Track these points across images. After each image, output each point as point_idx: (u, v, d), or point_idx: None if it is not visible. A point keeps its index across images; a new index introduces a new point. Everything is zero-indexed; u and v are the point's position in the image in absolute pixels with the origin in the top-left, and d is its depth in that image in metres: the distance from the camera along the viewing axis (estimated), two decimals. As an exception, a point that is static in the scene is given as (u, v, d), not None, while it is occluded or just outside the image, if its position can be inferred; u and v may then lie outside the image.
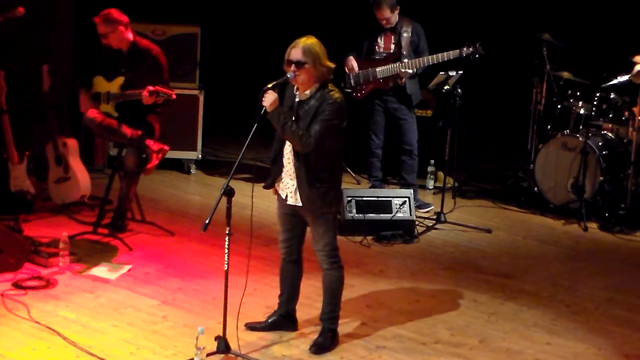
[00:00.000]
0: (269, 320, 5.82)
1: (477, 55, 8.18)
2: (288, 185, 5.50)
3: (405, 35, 8.50)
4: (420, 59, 8.37)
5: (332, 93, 5.35)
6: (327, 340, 5.67)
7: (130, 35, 7.27)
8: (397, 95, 8.58)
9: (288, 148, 5.46)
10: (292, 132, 5.30)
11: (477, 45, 8.16)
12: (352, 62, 8.53)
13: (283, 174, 5.53)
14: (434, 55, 8.31)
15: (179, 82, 8.76)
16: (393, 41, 8.54)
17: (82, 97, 7.34)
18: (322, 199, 5.43)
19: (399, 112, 8.61)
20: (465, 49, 8.18)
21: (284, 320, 5.82)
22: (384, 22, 8.45)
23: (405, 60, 8.38)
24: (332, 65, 5.40)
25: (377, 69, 8.48)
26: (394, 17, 8.44)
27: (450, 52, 8.25)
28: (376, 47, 8.57)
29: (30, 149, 7.81)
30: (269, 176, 5.63)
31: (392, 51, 8.52)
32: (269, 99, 5.27)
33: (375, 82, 8.52)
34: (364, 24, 8.62)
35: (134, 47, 7.27)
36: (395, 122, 8.67)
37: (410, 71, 8.38)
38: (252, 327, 5.77)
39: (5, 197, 7.65)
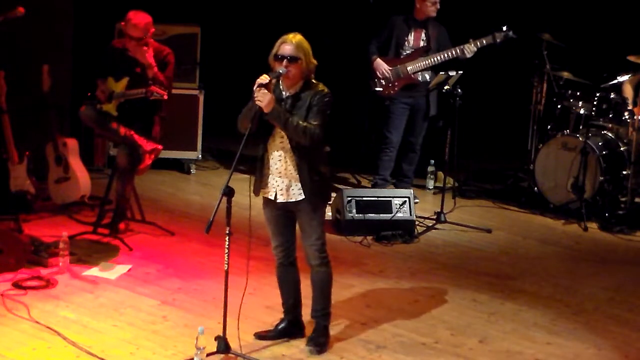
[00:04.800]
0: (279, 327, 5.77)
1: (508, 38, 8.43)
2: (278, 183, 5.47)
3: (432, 31, 8.67)
4: (452, 49, 8.52)
5: (320, 86, 5.40)
6: (324, 336, 5.67)
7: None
8: (423, 91, 8.69)
9: (276, 147, 5.43)
10: (296, 127, 5.28)
11: (506, 29, 8.39)
12: (383, 65, 8.60)
13: (270, 174, 5.48)
14: (465, 44, 8.46)
15: (179, 82, 8.77)
16: (423, 37, 8.65)
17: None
18: (321, 190, 5.47)
19: (423, 108, 8.77)
20: (497, 34, 8.41)
21: (292, 327, 5.78)
22: (434, 9, 8.57)
23: (440, 52, 8.57)
24: (315, 62, 5.41)
25: (408, 66, 8.60)
26: None
27: (483, 38, 8.42)
28: (405, 42, 8.67)
29: (30, 149, 7.81)
30: (256, 181, 5.55)
31: (420, 46, 8.63)
32: (265, 99, 5.23)
33: (406, 77, 8.61)
34: (391, 22, 8.71)
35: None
36: (414, 117, 8.76)
37: (443, 60, 8.57)
38: (262, 336, 5.72)
39: (5, 197, 7.64)
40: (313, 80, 5.42)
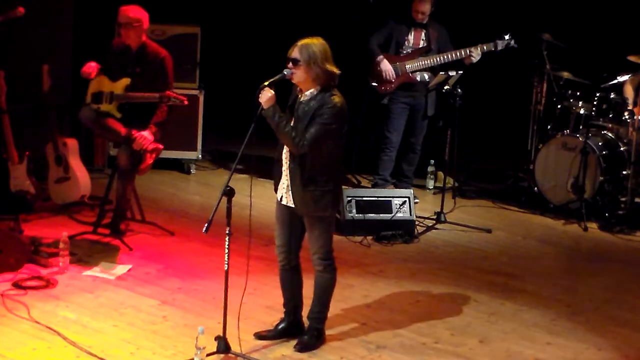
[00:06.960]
0: (279, 328, 5.78)
1: (509, 47, 8.48)
2: (284, 186, 5.49)
3: (432, 32, 8.66)
4: (453, 52, 8.53)
5: (333, 97, 5.31)
6: (313, 338, 5.66)
7: (143, 36, 7.31)
8: (422, 91, 8.68)
9: (286, 148, 5.45)
10: (286, 132, 5.29)
11: (509, 38, 8.44)
12: (389, 67, 8.60)
13: (282, 174, 5.52)
14: (466, 49, 8.48)
15: (179, 82, 8.75)
16: (422, 37, 8.66)
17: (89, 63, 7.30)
18: (316, 202, 5.39)
19: (422, 108, 8.76)
20: (499, 41, 8.44)
21: (292, 327, 5.78)
22: (421, 15, 8.56)
23: (440, 54, 8.58)
24: (336, 70, 5.33)
25: (407, 64, 8.60)
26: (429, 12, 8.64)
27: (484, 45, 8.45)
28: (405, 42, 8.67)
29: (30, 149, 7.81)
30: (274, 179, 5.61)
31: (420, 46, 8.63)
32: (265, 95, 5.27)
33: (404, 75, 8.62)
34: (391, 22, 8.72)
35: (143, 48, 7.30)
36: (413, 117, 8.75)
37: (443, 62, 8.59)
38: (262, 336, 5.73)
39: (5, 197, 7.65)
40: (333, 91, 5.34)
